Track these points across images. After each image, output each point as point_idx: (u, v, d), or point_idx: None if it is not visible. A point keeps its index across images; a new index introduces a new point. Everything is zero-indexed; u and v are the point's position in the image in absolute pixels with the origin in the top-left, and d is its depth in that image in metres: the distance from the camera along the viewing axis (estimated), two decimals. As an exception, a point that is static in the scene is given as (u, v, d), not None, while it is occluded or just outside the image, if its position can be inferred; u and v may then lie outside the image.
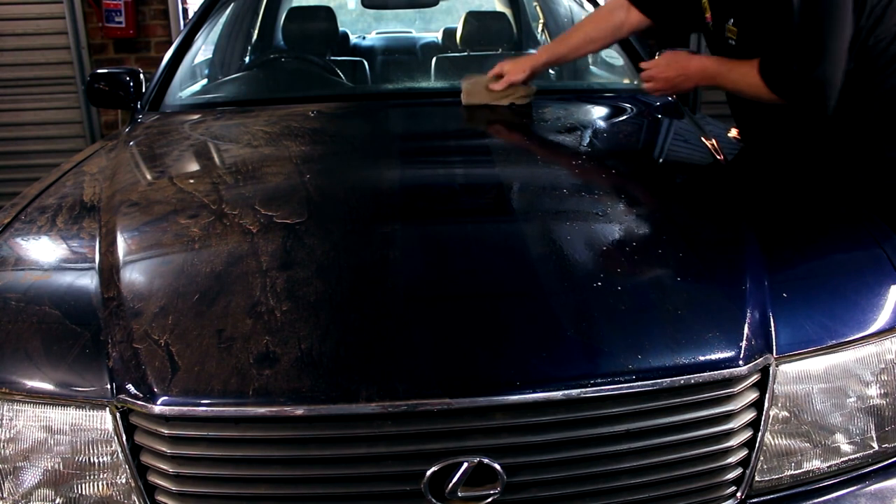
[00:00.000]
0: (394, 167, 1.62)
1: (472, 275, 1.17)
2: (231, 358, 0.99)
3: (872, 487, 1.12)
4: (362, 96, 2.29)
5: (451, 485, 0.96)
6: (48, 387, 1.01)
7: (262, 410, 0.95)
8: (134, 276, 1.16)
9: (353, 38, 3.66)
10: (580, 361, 1.00)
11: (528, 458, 0.98)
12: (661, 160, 1.78)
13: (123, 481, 1.00)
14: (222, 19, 2.58)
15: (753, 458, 1.06)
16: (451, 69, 2.49)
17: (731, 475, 1.06)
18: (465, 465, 0.96)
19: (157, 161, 1.69)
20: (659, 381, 0.99)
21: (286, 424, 0.96)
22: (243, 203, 1.36)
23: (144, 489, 0.99)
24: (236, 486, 0.98)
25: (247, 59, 2.65)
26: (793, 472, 1.09)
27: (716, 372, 1.01)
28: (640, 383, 0.98)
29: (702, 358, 1.02)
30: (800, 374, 1.08)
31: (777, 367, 1.06)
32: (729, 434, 1.04)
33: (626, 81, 2.32)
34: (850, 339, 1.11)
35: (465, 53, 2.67)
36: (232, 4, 2.63)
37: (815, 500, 1.10)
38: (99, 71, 2.24)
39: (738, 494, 1.07)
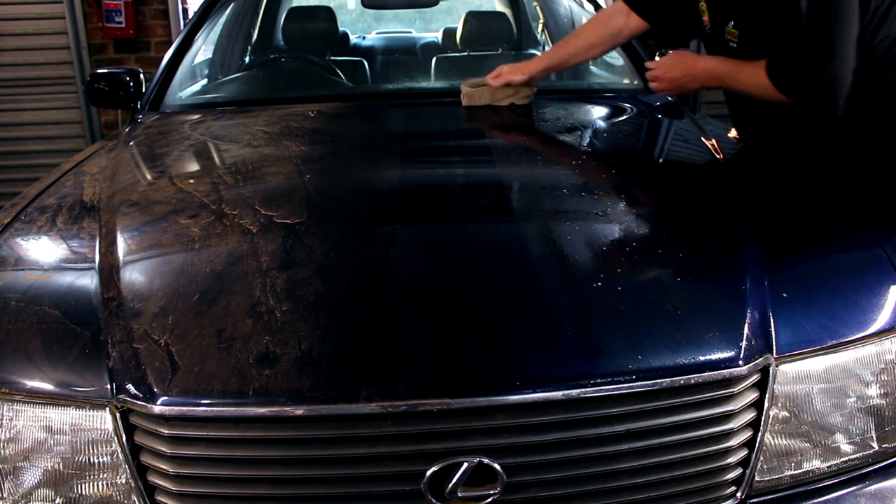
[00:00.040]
0: (394, 167, 1.62)
1: (471, 275, 1.17)
2: (231, 358, 0.99)
3: (872, 487, 1.12)
4: (362, 96, 2.29)
5: (451, 485, 0.96)
6: (48, 387, 1.01)
7: (262, 410, 0.95)
8: (134, 276, 1.16)
9: (353, 38, 3.65)
10: (580, 361, 1.00)
11: (528, 458, 0.98)
12: (661, 160, 1.78)
13: (123, 481, 1.00)
14: (222, 19, 2.58)
15: (753, 459, 1.06)
16: (451, 69, 2.49)
17: (731, 475, 1.06)
18: (465, 465, 0.96)
19: (157, 161, 1.69)
20: (659, 381, 0.99)
21: (286, 424, 0.96)
22: (243, 203, 1.36)
23: (144, 489, 0.99)
24: (236, 487, 0.98)
25: (247, 59, 2.65)
26: (793, 472, 1.09)
27: (716, 372, 1.01)
28: (640, 383, 0.98)
29: (702, 358, 1.02)
30: (800, 374, 1.08)
31: (777, 367, 1.06)
32: (729, 434, 1.04)
33: (627, 81, 2.32)
34: (850, 339, 1.11)
35: (465, 53, 2.67)
36: (232, 4, 2.63)
37: (815, 500, 1.10)
38: (99, 71, 2.24)
39: (738, 494, 1.07)
